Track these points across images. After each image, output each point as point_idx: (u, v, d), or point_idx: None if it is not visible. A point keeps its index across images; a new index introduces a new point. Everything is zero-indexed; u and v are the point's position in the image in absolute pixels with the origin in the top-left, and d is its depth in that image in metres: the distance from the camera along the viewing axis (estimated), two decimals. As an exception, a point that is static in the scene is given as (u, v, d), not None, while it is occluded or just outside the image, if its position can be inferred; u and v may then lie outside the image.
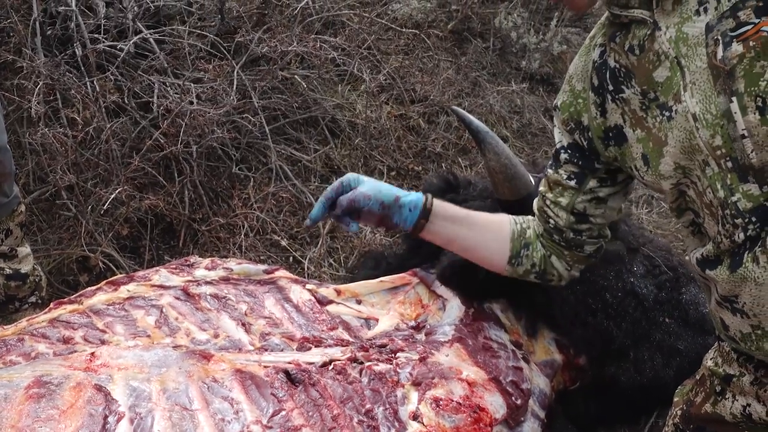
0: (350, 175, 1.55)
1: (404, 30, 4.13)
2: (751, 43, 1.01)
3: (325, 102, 3.49)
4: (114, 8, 3.27)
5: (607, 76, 1.25)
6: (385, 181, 3.39)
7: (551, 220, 1.50)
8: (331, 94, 3.64)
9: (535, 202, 1.56)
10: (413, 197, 1.54)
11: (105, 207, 2.55)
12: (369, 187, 1.52)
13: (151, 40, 3.10)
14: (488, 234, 1.58)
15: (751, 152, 1.05)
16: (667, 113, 1.14)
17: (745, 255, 1.11)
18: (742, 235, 1.10)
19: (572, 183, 1.42)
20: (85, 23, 3.05)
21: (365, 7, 4.25)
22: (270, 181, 3.13)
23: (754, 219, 1.08)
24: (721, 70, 1.04)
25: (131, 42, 2.98)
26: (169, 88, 3.01)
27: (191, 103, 2.99)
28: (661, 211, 3.27)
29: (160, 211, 2.87)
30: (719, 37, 1.04)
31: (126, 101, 2.95)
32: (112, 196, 2.56)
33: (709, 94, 1.06)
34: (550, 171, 1.47)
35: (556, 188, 1.46)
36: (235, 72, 3.15)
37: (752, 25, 1.01)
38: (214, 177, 3.09)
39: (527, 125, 3.97)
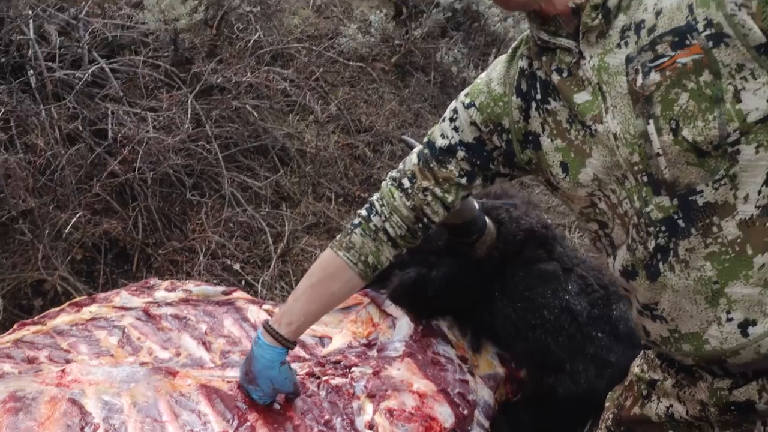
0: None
1: (350, 63, 4.26)
2: (667, 73, 1.13)
3: (275, 131, 3.58)
4: (69, 37, 3.30)
5: (537, 86, 1.34)
6: (333, 207, 3.50)
7: (426, 219, 1.55)
8: (281, 124, 3.73)
9: (401, 200, 1.54)
10: (269, 355, 1.58)
11: (65, 232, 2.57)
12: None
13: (107, 69, 3.14)
14: (337, 294, 1.62)
15: (665, 168, 1.17)
16: (589, 131, 1.25)
17: (661, 265, 1.23)
18: (653, 243, 1.22)
19: (463, 180, 1.49)
20: (39, 51, 3.07)
21: (313, 40, 4.37)
22: (222, 207, 3.19)
23: (663, 228, 1.21)
24: (640, 96, 1.16)
25: (89, 71, 3.01)
26: (124, 117, 3.05)
27: (145, 129, 3.03)
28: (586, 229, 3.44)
29: (115, 236, 2.90)
30: (639, 67, 1.16)
31: (81, 128, 2.97)
32: (73, 220, 2.59)
33: (629, 116, 1.18)
34: (435, 164, 1.49)
35: (444, 184, 1.50)
36: (189, 101, 3.21)
37: (668, 57, 1.13)
38: (168, 203, 3.13)
39: (467, 155, 4.11)
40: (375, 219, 1.58)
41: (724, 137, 1.11)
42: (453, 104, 1.51)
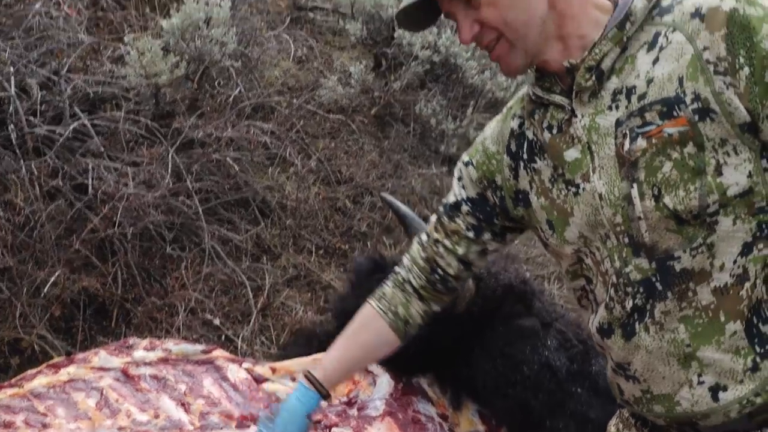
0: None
1: (330, 115, 4.31)
2: (653, 140, 1.16)
3: (256, 183, 3.60)
4: (50, 92, 3.32)
5: (525, 146, 1.38)
6: (314, 260, 3.52)
7: (440, 270, 1.58)
8: (262, 176, 3.76)
9: (418, 253, 1.61)
10: (304, 397, 1.62)
11: (43, 290, 2.56)
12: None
13: (88, 124, 3.16)
14: (376, 351, 1.67)
15: (645, 232, 1.20)
16: (573, 189, 1.28)
17: (637, 325, 1.25)
18: (631, 303, 1.24)
19: (470, 234, 1.52)
20: (20, 106, 3.09)
21: (294, 92, 4.43)
22: (202, 261, 3.19)
23: (641, 289, 1.23)
24: (627, 160, 1.19)
25: (71, 127, 3.04)
26: (105, 171, 3.06)
27: (126, 184, 3.05)
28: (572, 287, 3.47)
29: (94, 292, 2.89)
30: (627, 132, 1.19)
31: (62, 184, 2.98)
32: (52, 279, 2.58)
33: (614, 178, 1.21)
34: (446, 219, 1.55)
35: (453, 236, 1.54)
36: (170, 155, 3.24)
37: (656, 126, 1.16)
38: (147, 257, 3.13)
39: (447, 205, 4.16)
40: (402, 272, 1.64)
41: (703, 208, 1.14)
42: (458, 164, 1.56)
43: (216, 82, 3.89)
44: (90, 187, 3.01)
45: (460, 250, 1.54)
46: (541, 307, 2.16)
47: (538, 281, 3.51)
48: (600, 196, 1.24)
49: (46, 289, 2.65)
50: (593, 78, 1.22)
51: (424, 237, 1.61)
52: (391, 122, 4.58)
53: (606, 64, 1.22)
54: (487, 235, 1.52)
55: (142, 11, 3.98)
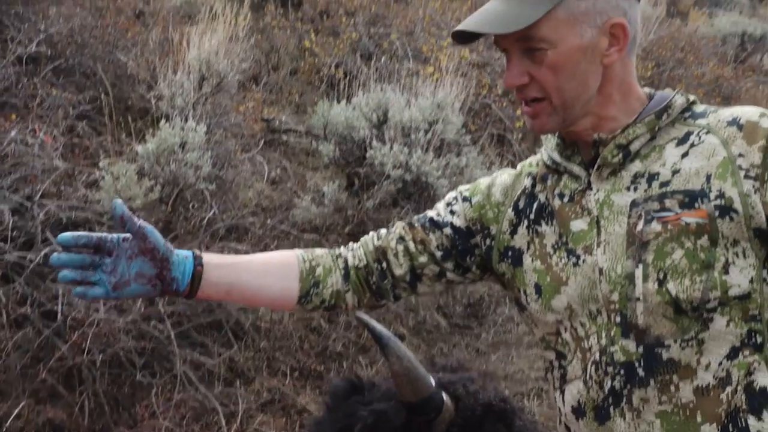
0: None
1: (304, 235, 4.36)
2: (669, 227, 1.19)
3: (229, 305, 3.58)
4: (23, 217, 3.33)
5: (534, 206, 1.37)
6: (289, 383, 3.45)
7: (386, 264, 1.49)
8: (235, 297, 3.73)
9: (372, 239, 1.52)
10: (178, 250, 1.40)
11: (6, 424, 2.47)
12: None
13: (60, 250, 3.16)
14: (271, 276, 1.47)
15: (641, 314, 1.20)
16: (574, 259, 1.28)
17: (612, 409, 1.23)
18: (609, 383, 1.23)
19: (438, 253, 1.46)
20: (-9, 234, 3.09)
21: (268, 212, 4.48)
22: (173, 387, 3.13)
23: (622, 372, 1.22)
24: (637, 239, 1.21)
25: (41, 254, 3.03)
26: (75, 297, 3.03)
27: (96, 310, 3.01)
28: (551, 402, 3.44)
29: (59, 424, 2.80)
30: (642, 213, 1.21)
31: (31, 310, 2.95)
32: (15, 411, 2.50)
33: (620, 255, 1.22)
34: (418, 227, 1.47)
35: (419, 245, 1.47)
36: (142, 279, 3.22)
37: (674, 213, 1.19)
38: (116, 385, 3.06)
39: (422, 323, 4.16)
40: (342, 249, 1.55)
41: (704, 301, 1.17)
42: (453, 192, 1.51)
43: (190, 205, 3.94)
44: (59, 314, 2.97)
45: (421, 260, 1.47)
46: (522, 425, 2.12)
47: (517, 398, 3.47)
48: (600, 270, 1.25)
49: (8, 423, 2.57)
50: (620, 156, 1.26)
51: (383, 231, 1.52)
52: (364, 240, 4.62)
53: (635, 147, 1.26)
54: (450, 264, 1.47)
55: (117, 137, 4.07)
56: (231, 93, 4.79)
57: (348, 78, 5.50)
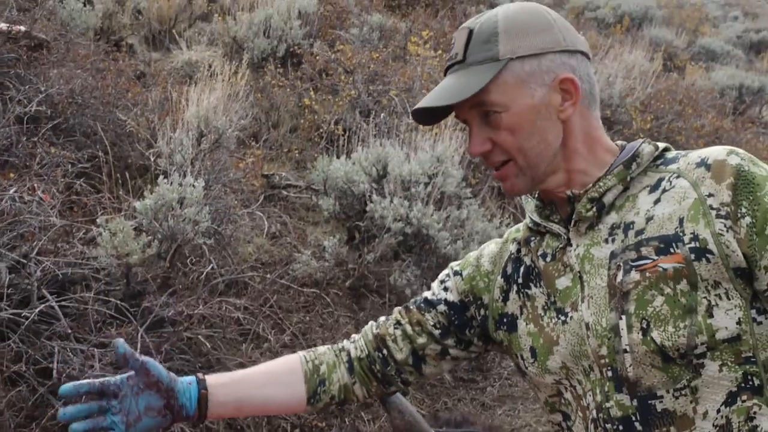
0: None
1: (305, 289, 4.34)
2: (647, 274, 1.19)
3: (228, 361, 3.54)
4: (19, 274, 3.33)
5: (521, 270, 1.40)
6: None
7: (386, 351, 1.51)
8: (235, 353, 3.70)
9: (371, 328, 1.56)
10: (181, 377, 1.47)
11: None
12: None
13: (56, 306, 3.15)
14: (276, 385, 1.51)
15: (629, 366, 1.20)
16: (562, 317, 1.29)
17: None
18: None
19: (436, 332, 1.49)
20: (-13, 292, 3.08)
21: (267, 267, 4.47)
22: (171, 445, 3.06)
23: (621, 428, 1.21)
24: (618, 291, 1.21)
25: (37, 310, 3.02)
26: (71, 354, 3.01)
27: (92, 367, 2.98)
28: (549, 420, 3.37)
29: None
30: (621, 264, 1.22)
31: (25, 368, 2.91)
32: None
33: (603, 308, 1.22)
34: (414, 309, 1.52)
35: (416, 327, 1.50)
36: (139, 335, 3.20)
37: (651, 260, 1.19)
38: (113, 444, 3.00)
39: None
40: (345, 342, 1.58)
41: (691, 347, 1.15)
42: (446, 270, 1.55)
43: (188, 260, 3.94)
44: (54, 371, 2.94)
45: (420, 341, 1.50)
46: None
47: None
48: (587, 325, 1.25)
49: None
50: (594, 209, 1.27)
51: (382, 319, 1.57)
52: (366, 294, 4.61)
53: (608, 199, 1.28)
54: (450, 341, 1.49)
55: (116, 194, 4.10)
56: (230, 149, 4.83)
57: (347, 134, 5.57)
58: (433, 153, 4.98)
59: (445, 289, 1.52)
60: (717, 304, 1.16)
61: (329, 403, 1.54)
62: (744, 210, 1.15)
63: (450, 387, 4.13)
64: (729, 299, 1.16)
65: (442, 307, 1.50)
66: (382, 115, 6.08)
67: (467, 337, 1.50)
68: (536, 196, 1.39)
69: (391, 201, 4.64)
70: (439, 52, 7.56)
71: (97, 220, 3.59)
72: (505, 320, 1.42)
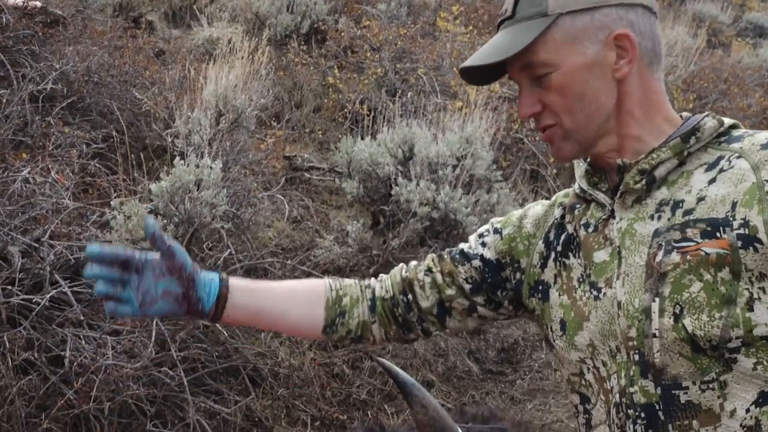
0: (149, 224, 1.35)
1: (326, 276, 4.29)
2: (688, 257, 1.12)
3: (246, 350, 3.52)
4: (31, 258, 3.32)
5: (562, 238, 1.35)
6: (310, 432, 3.36)
7: (411, 296, 1.48)
8: (253, 342, 3.68)
9: (399, 270, 1.52)
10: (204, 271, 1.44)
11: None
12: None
13: (69, 292, 3.14)
14: (298, 302, 1.49)
15: (656, 352, 1.14)
16: (595, 292, 1.24)
17: None
18: (632, 428, 1.17)
19: (467, 286, 1.45)
20: (-1, 276, 3.08)
21: (288, 253, 4.44)
22: (186, 437, 3.05)
23: (643, 415, 1.15)
24: (655, 271, 1.15)
25: (48, 296, 3.00)
26: (83, 341, 3.00)
27: (104, 355, 2.97)
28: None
29: (64, 477, 2.74)
30: (663, 243, 1.15)
31: (37, 356, 2.91)
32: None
33: (638, 288, 1.17)
34: (447, 258, 1.47)
35: (447, 277, 1.46)
36: (154, 323, 3.18)
37: (695, 243, 1.13)
38: (126, 435, 3.00)
39: (452, 368, 4.04)
40: (372, 280, 1.55)
41: (724, 340, 1.09)
42: (487, 225, 1.51)
43: (205, 245, 3.91)
44: (66, 359, 2.93)
45: (449, 292, 1.46)
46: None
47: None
48: (619, 304, 1.20)
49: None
50: (643, 182, 1.21)
51: (413, 263, 1.53)
52: (390, 281, 4.55)
53: (660, 172, 1.21)
54: (480, 298, 1.45)
55: (131, 176, 4.08)
56: (250, 129, 4.79)
57: (373, 114, 5.50)
58: (462, 134, 4.89)
59: (483, 244, 1.46)
60: (759, 298, 1.08)
61: (344, 337, 1.51)
62: None
63: (477, 380, 4.07)
64: None
65: (477, 263, 1.44)
66: (410, 94, 6.00)
67: (498, 298, 1.45)
68: (587, 160, 1.33)
69: (418, 184, 4.58)
70: (470, 28, 7.45)
71: (111, 203, 3.57)
72: (540, 287, 1.37)
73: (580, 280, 1.29)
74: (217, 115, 4.50)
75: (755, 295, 1.09)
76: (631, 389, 1.18)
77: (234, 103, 4.57)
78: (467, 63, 1.29)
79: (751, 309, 1.09)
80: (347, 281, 1.54)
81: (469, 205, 4.59)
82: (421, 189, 4.55)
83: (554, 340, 1.33)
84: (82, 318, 3.13)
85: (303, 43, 6.91)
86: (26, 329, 2.97)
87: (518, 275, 1.42)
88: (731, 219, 1.11)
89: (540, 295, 1.37)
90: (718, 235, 1.12)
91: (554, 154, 1.31)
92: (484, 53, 1.27)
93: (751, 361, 1.09)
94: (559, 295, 1.32)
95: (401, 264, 1.55)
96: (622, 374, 1.19)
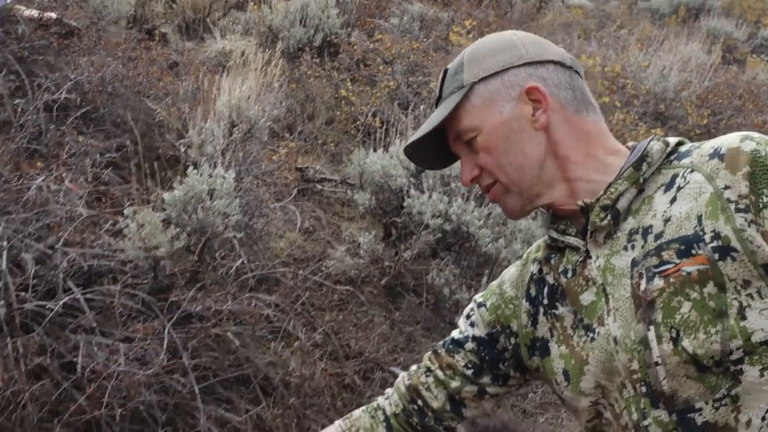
0: None
1: (338, 287, 4.32)
2: (671, 280, 1.14)
3: (257, 359, 3.54)
4: (45, 265, 3.36)
5: (545, 291, 1.37)
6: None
7: (421, 401, 1.52)
8: (264, 351, 3.70)
9: (402, 380, 1.58)
10: None
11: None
12: None
13: (81, 299, 3.17)
14: None
15: (663, 379, 1.15)
16: (591, 334, 1.26)
17: None
18: None
19: (469, 372, 1.49)
20: (12, 281, 3.11)
21: (300, 263, 4.47)
22: (197, 445, 3.07)
23: None
24: (643, 300, 1.17)
25: (61, 302, 3.04)
26: (95, 348, 3.03)
27: (116, 362, 2.99)
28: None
29: (75, 483, 2.76)
30: (643, 271, 1.17)
31: (49, 362, 2.94)
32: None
33: (630, 320, 1.18)
34: (443, 352, 1.52)
35: (447, 370, 1.51)
36: (166, 330, 3.21)
37: (673, 264, 1.14)
38: (137, 442, 3.01)
39: (465, 381, 4.04)
40: (380, 400, 1.60)
41: (726, 353, 1.10)
42: (471, 304, 1.56)
43: (218, 254, 3.94)
44: (79, 365, 2.96)
45: (454, 384, 1.50)
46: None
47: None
48: (615, 339, 1.21)
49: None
50: (608, 217, 1.24)
51: (413, 368, 1.58)
52: (402, 293, 4.57)
53: (622, 204, 1.24)
54: (486, 378, 1.49)
55: (144, 185, 4.12)
56: (263, 140, 4.83)
57: (385, 126, 5.54)
58: (475, 146, 4.91)
59: (472, 324, 1.52)
60: (749, 305, 1.10)
61: None
62: (765, 199, 1.10)
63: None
64: (762, 298, 1.10)
65: (470, 345, 1.50)
66: (422, 107, 6.04)
67: (502, 371, 1.48)
68: (549, 211, 1.37)
69: (430, 196, 4.60)
70: (483, 42, 7.49)
71: (124, 211, 3.61)
72: (537, 345, 1.40)
73: (574, 326, 1.31)
74: (230, 125, 4.55)
75: (744, 303, 1.10)
76: (645, 422, 1.19)
77: (247, 114, 4.62)
78: (408, 141, 1.38)
79: (743, 317, 1.10)
80: (356, 414, 1.60)
81: (482, 218, 4.61)
82: (434, 201, 4.57)
83: (562, 393, 1.35)
84: (94, 325, 3.16)
85: (316, 56, 6.97)
86: (39, 335, 3.00)
87: (513, 340, 1.45)
88: (701, 233, 1.13)
89: (539, 352, 1.39)
90: (693, 252, 1.14)
91: (505, 213, 1.38)
92: (418, 131, 1.36)
93: (757, 369, 1.10)
94: (558, 346, 1.35)
95: (402, 373, 1.61)
96: (633, 409, 1.21)
